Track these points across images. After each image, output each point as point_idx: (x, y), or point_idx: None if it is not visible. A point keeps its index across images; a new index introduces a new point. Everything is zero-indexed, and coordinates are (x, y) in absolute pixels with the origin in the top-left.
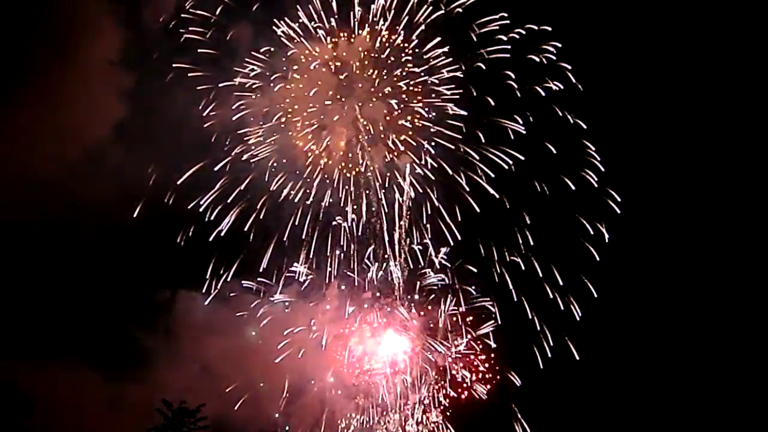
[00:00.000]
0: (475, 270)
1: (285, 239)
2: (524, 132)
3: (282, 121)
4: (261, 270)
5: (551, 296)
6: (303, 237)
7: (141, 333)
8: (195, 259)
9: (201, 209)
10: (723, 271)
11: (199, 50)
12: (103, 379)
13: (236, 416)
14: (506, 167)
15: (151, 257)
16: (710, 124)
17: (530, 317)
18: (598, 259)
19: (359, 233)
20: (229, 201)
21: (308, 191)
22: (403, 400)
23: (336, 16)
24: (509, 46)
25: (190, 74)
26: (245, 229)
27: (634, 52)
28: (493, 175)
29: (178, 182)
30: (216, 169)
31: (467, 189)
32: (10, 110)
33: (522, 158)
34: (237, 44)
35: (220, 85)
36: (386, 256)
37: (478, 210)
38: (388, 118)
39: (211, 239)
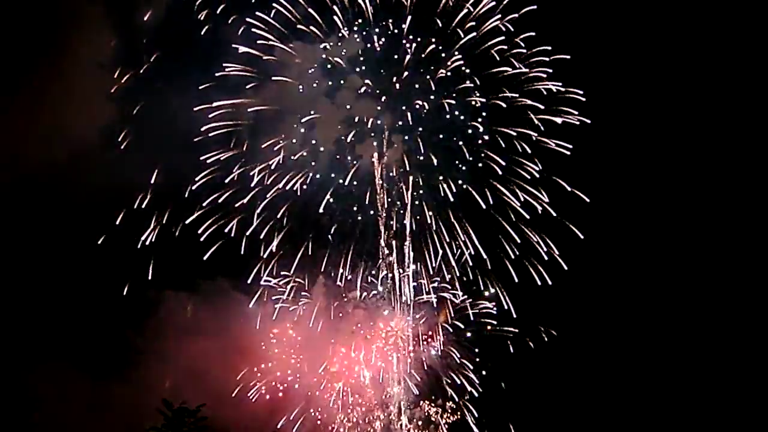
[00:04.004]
0: None
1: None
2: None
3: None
4: (250, 270)
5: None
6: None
7: (129, 333)
8: (183, 259)
9: (190, 209)
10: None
11: (191, 52)
12: (93, 380)
13: (225, 415)
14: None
15: (138, 257)
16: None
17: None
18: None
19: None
20: (217, 201)
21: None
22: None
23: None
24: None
25: (182, 77)
26: (234, 228)
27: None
28: None
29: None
30: (206, 170)
31: None
32: None
33: None
34: (229, 47)
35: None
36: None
37: None
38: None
39: (199, 239)
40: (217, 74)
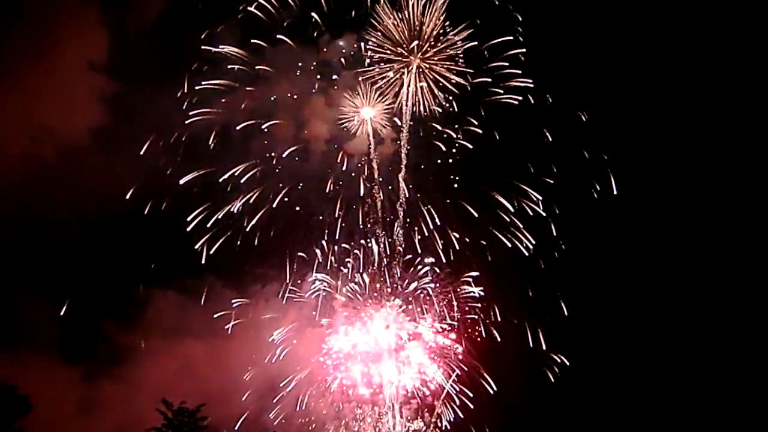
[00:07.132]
0: None
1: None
2: None
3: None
4: (242, 270)
5: None
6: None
7: (118, 332)
8: (173, 258)
9: (182, 210)
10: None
11: (185, 54)
12: (83, 379)
13: (216, 415)
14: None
15: (129, 257)
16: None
17: None
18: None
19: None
20: (209, 201)
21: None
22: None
23: None
24: None
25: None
26: (225, 229)
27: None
28: None
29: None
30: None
31: None
32: None
33: None
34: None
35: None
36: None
37: None
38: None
39: (190, 239)
40: (206, 81)
